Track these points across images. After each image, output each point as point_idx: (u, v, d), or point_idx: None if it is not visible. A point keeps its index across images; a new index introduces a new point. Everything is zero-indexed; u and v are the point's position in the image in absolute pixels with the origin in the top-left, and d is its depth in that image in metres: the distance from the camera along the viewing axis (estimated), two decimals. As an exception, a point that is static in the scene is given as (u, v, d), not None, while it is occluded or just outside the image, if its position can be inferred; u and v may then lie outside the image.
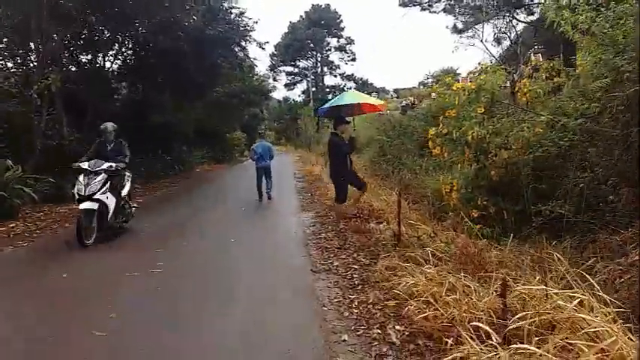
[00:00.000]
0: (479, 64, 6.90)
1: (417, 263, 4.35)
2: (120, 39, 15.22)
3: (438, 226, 6.39)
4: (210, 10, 16.56)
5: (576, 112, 4.88)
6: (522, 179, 5.94)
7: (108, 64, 15.29)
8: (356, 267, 4.91)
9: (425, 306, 3.34)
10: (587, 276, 3.10)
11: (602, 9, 4.74)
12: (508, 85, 8.38)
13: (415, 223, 5.72)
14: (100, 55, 14.66)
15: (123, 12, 12.75)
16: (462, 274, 3.85)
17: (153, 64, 15.64)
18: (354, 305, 3.88)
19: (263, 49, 21.26)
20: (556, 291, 2.93)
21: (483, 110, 6.25)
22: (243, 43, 20.09)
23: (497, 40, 23.25)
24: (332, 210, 8.02)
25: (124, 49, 16.06)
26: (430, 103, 14.85)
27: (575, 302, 2.74)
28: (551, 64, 7.09)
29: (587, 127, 4.89)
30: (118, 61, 16.13)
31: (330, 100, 12.52)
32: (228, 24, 17.45)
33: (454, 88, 6.43)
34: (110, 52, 15.19)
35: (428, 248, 4.60)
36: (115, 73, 16.20)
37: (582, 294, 2.79)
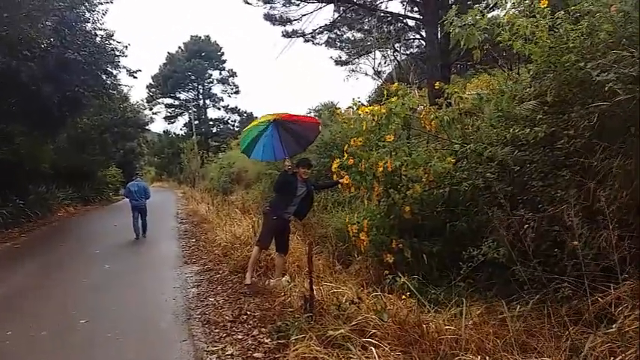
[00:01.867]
0: (384, 88, 6.16)
1: (343, 347, 3.17)
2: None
3: (347, 275, 5.42)
4: (70, 31, 14.14)
5: (513, 138, 4.17)
6: (437, 216, 5.18)
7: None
8: (259, 356, 3.57)
9: None
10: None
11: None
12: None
13: (329, 282, 4.55)
14: None
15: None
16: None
17: (-3, 90, 12.77)
18: None
19: (135, 77, 19.11)
20: None
21: (393, 138, 5.48)
22: (112, 70, 17.88)
23: (377, 73, 23.97)
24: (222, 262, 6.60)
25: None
26: (321, 136, 14.21)
27: None
28: (455, 90, 6.63)
29: (519, 157, 4.21)
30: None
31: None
32: (92, 46, 15.16)
33: (361, 112, 5.57)
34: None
35: (355, 321, 3.47)
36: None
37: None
